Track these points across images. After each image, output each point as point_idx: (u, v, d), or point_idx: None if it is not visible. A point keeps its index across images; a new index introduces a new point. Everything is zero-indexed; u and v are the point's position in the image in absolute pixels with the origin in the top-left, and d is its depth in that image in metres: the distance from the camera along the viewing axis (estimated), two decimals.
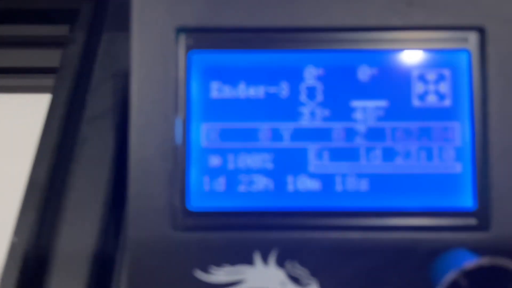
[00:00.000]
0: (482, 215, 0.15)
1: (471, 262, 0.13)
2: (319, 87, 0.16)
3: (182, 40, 0.15)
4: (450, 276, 0.13)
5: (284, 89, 0.16)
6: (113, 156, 0.20)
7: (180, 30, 0.15)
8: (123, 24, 0.23)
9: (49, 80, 0.26)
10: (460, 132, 0.15)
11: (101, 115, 0.21)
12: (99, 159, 0.20)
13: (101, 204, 0.18)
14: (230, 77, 0.16)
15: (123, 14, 0.24)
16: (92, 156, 0.20)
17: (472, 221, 0.15)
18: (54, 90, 0.22)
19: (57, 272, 0.17)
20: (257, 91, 0.16)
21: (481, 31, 0.15)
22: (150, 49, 0.15)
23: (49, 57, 0.24)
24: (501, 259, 0.14)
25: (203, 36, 0.16)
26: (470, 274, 0.13)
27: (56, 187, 0.19)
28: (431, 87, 0.16)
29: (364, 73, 0.16)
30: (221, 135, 0.15)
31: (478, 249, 0.15)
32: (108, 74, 0.22)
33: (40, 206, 0.18)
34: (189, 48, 0.15)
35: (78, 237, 0.18)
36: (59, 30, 0.24)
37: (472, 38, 0.16)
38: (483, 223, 0.15)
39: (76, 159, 0.20)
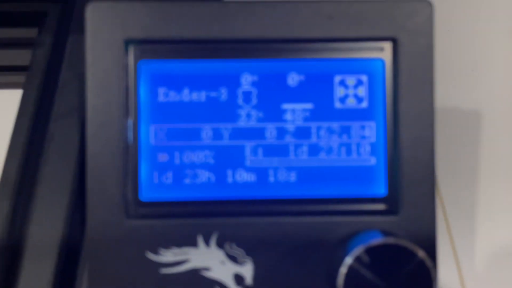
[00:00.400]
0: (392, 201, 0.18)
1: (375, 240, 0.16)
2: (254, 92, 0.18)
3: (131, 50, 0.17)
4: (356, 251, 0.16)
5: (223, 94, 0.18)
6: (78, 151, 0.22)
7: (129, 41, 0.17)
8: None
9: (19, 77, 0.27)
10: (375, 130, 0.18)
11: (67, 113, 0.23)
12: (66, 154, 0.22)
13: (67, 195, 0.21)
14: (175, 83, 0.18)
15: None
16: (59, 151, 0.22)
17: (383, 206, 0.18)
18: (24, 90, 0.23)
19: (28, 257, 0.19)
20: (199, 96, 0.18)
21: (394, 41, 0.18)
22: (102, 58, 0.17)
23: (19, 57, 0.26)
24: (403, 239, 0.16)
25: (150, 47, 0.18)
26: (375, 252, 0.16)
27: (26, 180, 0.21)
28: (351, 91, 0.18)
29: (293, 79, 0.18)
30: (168, 135, 0.18)
31: (388, 231, 0.17)
32: (75, 74, 0.24)
33: (13, 197, 0.21)
34: (138, 58, 0.17)
35: (47, 226, 0.20)
36: (29, 32, 0.25)
37: (387, 48, 0.18)
38: (393, 208, 0.18)
39: (45, 154, 0.22)
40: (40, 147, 0.22)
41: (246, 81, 0.18)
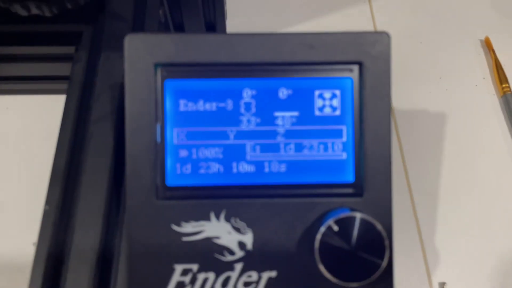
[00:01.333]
0: (358, 186, 0.23)
1: (343, 214, 0.22)
2: (253, 102, 0.23)
3: (159, 72, 0.23)
4: (328, 222, 0.21)
5: (229, 104, 0.23)
6: (113, 148, 0.27)
7: (157, 65, 0.23)
8: (117, 44, 0.30)
9: (60, 85, 0.33)
10: (346, 132, 0.23)
11: (104, 116, 0.28)
12: (103, 150, 0.27)
13: (105, 184, 0.26)
14: (192, 96, 0.23)
15: (117, 37, 0.31)
16: (98, 147, 0.27)
17: (351, 190, 0.23)
18: (67, 97, 0.29)
19: (78, 226, 0.25)
20: (211, 106, 0.23)
21: (360, 64, 0.23)
22: (137, 78, 0.23)
23: (60, 69, 0.32)
24: (365, 214, 0.22)
25: (173, 69, 0.23)
26: (342, 222, 0.21)
27: (72, 171, 0.27)
28: (327, 102, 0.23)
29: (283, 93, 0.23)
30: (187, 136, 0.23)
31: (354, 209, 0.23)
32: (107, 85, 0.29)
33: (61, 184, 0.26)
34: (164, 78, 0.23)
35: (90, 206, 0.26)
36: (68, 49, 0.31)
37: (355, 69, 0.23)
38: (359, 192, 0.23)
39: (86, 149, 0.27)
40: (82, 145, 0.28)
41: (247, 94, 0.23)
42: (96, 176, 0.26)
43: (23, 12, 0.26)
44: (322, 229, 0.21)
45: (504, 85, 0.37)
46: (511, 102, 0.36)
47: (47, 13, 0.26)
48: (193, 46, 0.23)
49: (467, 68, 0.39)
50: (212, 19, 0.37)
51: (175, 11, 0.35)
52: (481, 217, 0.32)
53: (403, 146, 0.35)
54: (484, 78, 0.38)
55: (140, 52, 0.23)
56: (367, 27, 0.40)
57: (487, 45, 0.39)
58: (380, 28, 0.40)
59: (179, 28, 0.37)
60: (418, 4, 0.42)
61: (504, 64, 0.38)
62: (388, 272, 0.23)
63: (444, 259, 0.31)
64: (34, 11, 0.26)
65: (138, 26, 0.32)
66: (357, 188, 0.23)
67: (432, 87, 0.38)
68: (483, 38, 0.40)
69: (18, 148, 0.34)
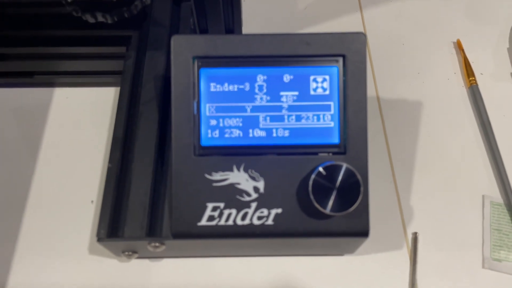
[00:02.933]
0: (342, 146, 0.31)
1: (330, 163, 0.30)
2: (264, 85, 0.31)
3: (196, 63, 0.31)
4: (319, 169, 0.29)
5: (246, 86, 0.31)
6: (158, 122, 0.36)
7: (195, 57, 0.31)
8: (158, 45, 0.39)
9: (111, 79, 0.42)
10: (333, 106, 0.31)
11: (150, 100, 0.37)
12: (150, 123, 0.36)
13: (153, 147, 0.35)
14: (219, 80, 0.31)
15: (158, 39, 0.39)
16: (147, 122, 0.36)
17: (337, 149, 0.31)
18: (121, 86, 0.37)
19: (134, 179, 0.33)
20: (233, 87, 0.31)
21: (343, 57, 0.31)
22: (180, 67, 0.31)
23: (114, 65, 0.40)
24: (347, 164, 0.30)
25: (206, 60, 0.31)
26: (329, 169, 0.29)
27: (127, 139, 0.35)
28: (319, 84, 0.31)
29: (286, 78, 0.31)
30: (216, 109, 0.31)
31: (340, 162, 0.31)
32: (151, 76, 0.38)
33: (120, 148, 0.35)
34: (199, 67, 0.31)
35: (142, 164, 0.34)
36: (120, 49, 0.40)
37: (339, 60, 0.31)
38: (343, 150, 0.31)
39: (137, 123, 0.36)
40: (134, 119, 0.36)
41: (260, 79, 0.32)
42: (146, 142, 0.35)
43: (91, 20, 0.35)
44: (315, 174, 0.29)
45: (471, 78, 0.45)
46: (476, 92, 0.44)
47: (110, 21, 0.35)
48: (220, 44, 0.31)
49: (441, 64, 0.47)
50: (231, 26, 0.45)
51: (201, 19, 0.44)
52: (448, 182, 0.40)
53: (386, 127, 0.43)
54: (455, 73, 0.46)
55: (182, 48, 0.31)
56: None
57: (459, 46, 0.47)
58: (369, 32, 0.49)
59: (204, 32, 0.46)
60: (401, 12, 0.50)
61: (472, 61, 0.46)
62: (363, 209, 0.31)
63: (416, 214, 0.39)
64: (100, 19, 0.35)
65: (174, 32, 0.41)
66: (341, 148, 0.31)
67: (412, 80, 0.46)
68: (455, 40, 0.48)
69: (75, 129, 0.43)
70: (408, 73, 0.46)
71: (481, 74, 0.46)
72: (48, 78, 0.43)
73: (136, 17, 0.38)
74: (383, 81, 0.46)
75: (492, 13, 0.50)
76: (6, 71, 0.42)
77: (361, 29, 0.49)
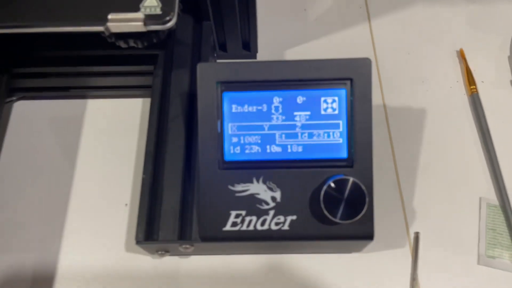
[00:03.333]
0: (350, 161, 0.35)
1: (339, 177, 0.34)
2: (280, 106, 0.35)
3: (219, 87, 0.35)
4: (329, 182, 0.33)
5: (264, 107, 0.35)
6: (185, 137, 0.40)
7: (218, 82, 0.35)
8: (183, 63, 0.43)
9: (141, 91, 0.46)
10: (342, 125, 0.35)
11: (177, 116, 0.41)
12: (178, 138, 0.40)
13: (181, 161, 0.39)
14: (240, 102, 0.35)
15: (182, 57, 0.43)
16: (174, 137, 0.40)
17: (345, 163, 0.35)
18: (151, 103, 0.41)
19: (165, 189, 0.38)
20: (252, 108, 0.35)
21: (351, 80, 0.35)
22: (206, 91, 0.35)
23: (144, 81, 0.45)
24: (354, 178, 0.34)
25: (228, 85, 0.35)
26: (338, 183, 0.33)
27: (158, 152, 0.40)
28: (329, 105, 0.35)
29: (300, 99, 0.35)
30: (237, 128, 0.35)
31: (347, 175, 0.35)
32: (178, 93, 0.42)
33: (152, 161, 0.39)
34: (222, 91, 0.35)
35: (172, 175, 0.38)
36: (149, 67, 0.44)
37: (347, 83, 0.35)
38: (350, 164, 0.35)
39: (166, 138, 0.40)
40: (163, 134, 0.40)
41: (276, 100, 0.35)
42: (174, 155, 0.39)
43: (124, 45, 0.39)
44: (326, 186, 0.33)
45: (472, 87, 0.48)
46: (477, 100, 0.47)
47: (140, 46, 0.39)
48: (240, 70, 0.35)
49: (445, 73, 0.50)
50: (247, 39, 0.49)
51: (220, 36, 0.48)
52: (448, 185, 0.44)
53: (392, 133, 0.46)
54: (457, 82, 0.49)
55: (207, 74, 0.35)
56: (367, 42, 0.52)
57: (461, 55, 0.50)
58: (377, 41, 0.52)
59: (223, 46, 0.49)
60: (407, 23, 0.53)
61: (474, 69, 0.49)
62: (368, 216, 0.35)
63: (418, 215, 0.43)
64: (131, 44, 0.39)
65: (197, 49, 0.45)
66: (349, 162, 0.35)
67: (416, 88, 0.49)
68: (458, 49, 0.51)
69: (106, 137, 0.47)
70: (413, 81, 0.50)
71: (482, 82, 0.49)
72: (82, 92, 0.47)
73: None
74: (389, 89, 0.49)
75: (493, 22, 0.53)
76: (45, 86, 0.46)
77: (369, 39, 0.52)
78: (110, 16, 0.34)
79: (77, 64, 0.44)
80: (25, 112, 0.48)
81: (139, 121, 0.47)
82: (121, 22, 0.34)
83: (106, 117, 0.48)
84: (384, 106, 0.48)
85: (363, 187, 0.34)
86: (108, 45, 0.43)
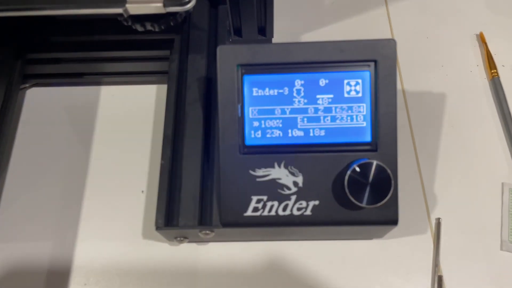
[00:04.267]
0: (374, 144, 0.34)
1: (364, 160, 0.33)
2: (302, 89, 0.35)
3: (240, 70, 0.34)
4: (354, 166, 0.33)
5: (285, 90, 0.35)
6: (203, 121, 0.39)
7: (239, 65, 0.34)
8: (199, 47, 0.42)
9: (156, 78, 0.45)
10: (365, 108, 0.34)
11: (194, 100, 0.40)
12: (196, 123, 0.39)
13: (200, 145, 0.38)
14: (261, 85, 0.35)
15: (199, 41, 0.42)
16: (192, 121, 0.39)
17: (369, 147, 0.35)
18: (167, 88, 0.41)
19: (184, 174, 0.37)
20: (273, 91, 0.35)
21: (375, 62, 0.34)
22: (226, 74, 0.34)
23: (160, 66, 0.44)
24: (379, 162, 0.33)
25: (249, 68, 0.34)
26: (363, 166, 0.33)
27: (176, 137, 0.39)
28: (353, 88, 0.34)
29: (322, 81, 0.34)
30: (258, 112, 0.35)
31: (372, 159, 0.34)
32: (195, 78, 0.41)
33: (171, 146, 0.38)
34: (243, 74, 0.34)
35: (191, 160, 0.38)
36: (165, 52, 0.43)
37: (371, 65, 0.34)
38: (374, 148, 0.34)
39: (184, 123, 0.40)
40: (181, 119, 0.40)
41: (298, 83, 0.35)
42: (193, 140, 0.39)
43: (140, 29, 0.38)
44: (350, 171, 0.33)
45: (493, 71, 0.47)
46: (498, 84, 0.46)
47: (157, 29, 0.38)
48: (261, 52, 0.34)
49: (464, 57, 0.49)
50: (263, 23, 0.48)
51: (236, 20, 0.47)
52: (469, 171, 0.43)
53: (411, 119, 0.46)
54: (477, 66, 0.48)
55: (227, 57, 0.34)
56: (385, 26, 0.51)
57: (481, 39, 0.49)
58: (394, 26, 0.51)
59: (238, 31, 0.49)
60: (425, 6, 0.52)
61: (494, 53, 0.48)
62: (393, 200, 0.34)
63: (440, 201, 0.42)
64: (149, 27, 0.38)
65: (212, 33, 0.44)
66: (373, 146, 0.35)
67: (436, 73, 0.48)
68: (478, 33, 0.50)
69: (121, 124, 0.47)
70: (432, 66, 0.49)
71: (503, 66, 0.48)
72: (96, 78, 0.46)
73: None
74: (408, 74, 0.48)
75: None
76: (59, 72, 0.45)
77: (386, 23, 0.51)
78: None
79: (91, 50, 0.43)
80: (39, 98, 0.48)
81: (154, 107, 0.46)
82: (140, 4, 0.33)
83: (121, 104, 0.47)
84: (403, 91, 0.47)
85: (389, 171, 0.33)
86: (123, 30, 0.42)
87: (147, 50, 0.43)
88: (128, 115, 0.47)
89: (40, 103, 0.47)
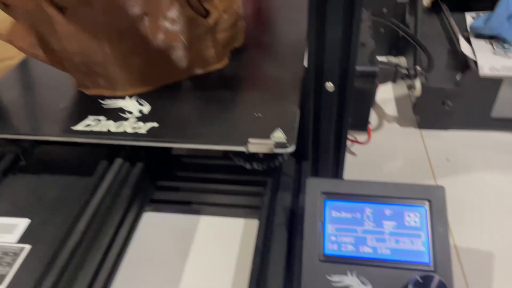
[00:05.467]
0: (433, 266, 0.41)
1: (425, 273, 0.40)
2: (371, 216, 0.44)
3: (323, 196, 0.46)
4: (416, 277, 0.39)
5: (357, 215, 0.44)
6: (287, 239, 0.48)
7: (322, 192, 0.46)
8: (287, 189, 0.54)
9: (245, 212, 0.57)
10: (423, 235, 0.43)
11: (281, 222, 0.50)
12: (282, 240, 0.48)
13: (284, 256, 0.46)
14: (339, 209, 0.45)
15: (286, 185, 0.55)
16: (278, 235, 0.49)
17: (428, 268, 0.41)
18: (259, 218, 0.52)
19: (270, 277, 0.44)
20: (348, 215, 0.44)
21: (429, 201, 0.44)
22: (312, 198, 0.45)
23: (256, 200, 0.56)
24: (439, 276, 0.40)
25: (330, 195, 0.45)
26: (424, 279, 0.39)
27: (265, 247, 0.48)
28: (412, 218, 0.44)
29: (387, 211, 0.44)
30: (336, 229, 0.44)
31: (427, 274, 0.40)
32: (281, 208, 0.52)
33: (261, 254, 0.47)
34: (324, 199, 0.45)
35: (277, 266, 0.45)
36: (259, 189, 0.56)
37: (426, 203, 0.44)
38: (433, 269, 0.41)
39: (272, 237, 0.49)
40: (270, 234, 0.49)
41: (368, 211, 0.44)
42: (279, 252, 0.47)
43: (248, 166, 0.52)
44: (411, 283, 0.39)
45: None
46: None
47: (260, 168, 0.52)
48: (339, 185, 0.46)
49: None
50: (336, 174, 0.60)
51: (314, 169, 0.60)
52: None
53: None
54: None
55: (314, 186, 0.46)
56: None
57: None
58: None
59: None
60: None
61: None
62: None
63: None
64: (255, 166, 0.52)
65: (297, 180, 0.57)
66: (432, 267, 0.41)
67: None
68: None
69: (215, 249, 0.56)
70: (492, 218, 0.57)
71: None
72: (199, 207, 0.59)
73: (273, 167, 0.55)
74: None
75: None
76: (175, 200, 0.58)
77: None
78: (250, 140, 0.47)
79: (203, 182, 0.57)
80: (151, 222, 0.59)
81: (240, 240, 0.56)
82: (258, 144, 0.47)
83: (216, 233, 0.58)
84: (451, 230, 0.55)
85: (447, 285, 0.39)
86: (229, 170, 0.56)
87: (245, 186, 0.56)
88: (219, 244, 0.57)
89: (152, 226, 0.59)
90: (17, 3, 0.48)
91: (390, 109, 0.78)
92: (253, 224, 0.56)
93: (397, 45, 0.86)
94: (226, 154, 0.60)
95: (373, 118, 0.75)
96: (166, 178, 0.58)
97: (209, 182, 0.57)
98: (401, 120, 0.75)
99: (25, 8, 0.48)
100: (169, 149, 0.62)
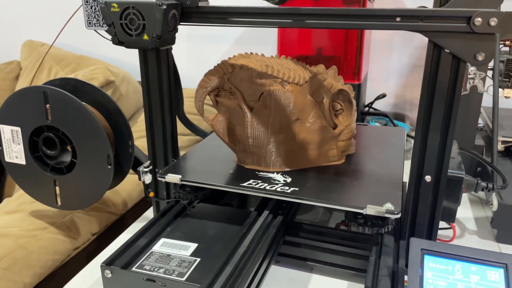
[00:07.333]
0: None
1: None
2: (460, 270, 0.59)
3: (422, 251, 0.61)
4: None
5: (449, 268, 0.59)
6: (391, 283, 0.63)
7: (422, 248, 0.61)
8: (388, 254, 0.70)
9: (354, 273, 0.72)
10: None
11: (385, 274, 0.65)
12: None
13: None
14: (434, 262, 0.60)
15: (387, 253, 0.71)
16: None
17: None
18: (365, 281, 0.67)
19: None
20: (442, 266, 0.59)
21: (506, 265, 0.58)
22: (414, 253, 0.61)
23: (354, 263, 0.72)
24: None
25: (428, 251, 0.61)
26: None
27: None
28: (493, 275, 0.57)
29: (473, 268, 0.58)
30: (432, 275, 0.58)
31: None
32: (385, 272, 0.67)
33: None
34: (423, 253, 0.61)
35: None
36: (364, 252, 0.71)
37: (504, 266, 0.58)
38: None
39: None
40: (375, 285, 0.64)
41: (457, 266, 0.59)
42: None
43: (357, 229, 0.69)
44: None
45: None
46: None
47: (369, 232, 0.69)
48: (435, 245, 0.61)
49: None
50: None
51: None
52: None
53: None
54: None
55: (417, 244, 0.62)
56: None
57: None
58: None
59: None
60: None
61: None
62: None
63: None
64: (360, 229, 0.69)
65: (395, 253, 0.72)
66: None
67: None
68: None
69: None
70: None
71: None
72: (309, 265, 0.75)
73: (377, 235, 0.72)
74: None
75: None
76: (294, 255, 0.76)
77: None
78: (368, 206, 0.66)
79: (317, 240, 0.74)
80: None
81: None
82: (373, 209, 0.66)
83: None
84: None
85: None
86: (335, 236, 0.74)
87: (352, 248, 0.72)
88: None
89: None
90: (226, 102, 0.76)
91: (470, 224, 0.92)
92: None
93: (475, 171, 1.04)
94: (337, 227, 0.79)
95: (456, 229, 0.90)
96: (293, 235, 0.76)
97: (322, 245, 0.75)
98: (480, 233, 0.90)
99: (229, 105, 0.76)
100: (295, 214, 0.81)
